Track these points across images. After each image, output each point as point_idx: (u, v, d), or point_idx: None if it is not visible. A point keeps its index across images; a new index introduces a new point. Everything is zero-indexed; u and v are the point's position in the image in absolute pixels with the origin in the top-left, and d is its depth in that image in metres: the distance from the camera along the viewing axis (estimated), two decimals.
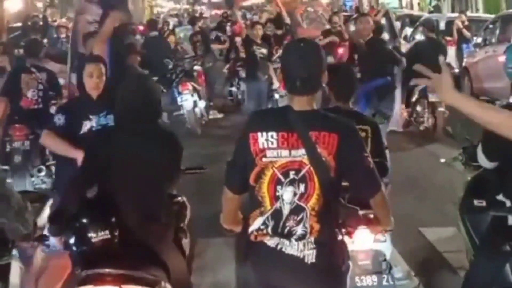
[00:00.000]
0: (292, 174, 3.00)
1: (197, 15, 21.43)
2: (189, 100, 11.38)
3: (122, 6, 6.44)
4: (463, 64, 15.36)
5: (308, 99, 3.09)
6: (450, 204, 6.46)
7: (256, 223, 3.06)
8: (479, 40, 15.00)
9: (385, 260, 4.10)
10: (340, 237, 3.22)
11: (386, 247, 4.10)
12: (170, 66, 11.73)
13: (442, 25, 17.06)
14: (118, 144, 3.88)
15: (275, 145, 3.01)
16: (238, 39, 13.34)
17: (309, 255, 2.99)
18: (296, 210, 3.00)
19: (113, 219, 3.72)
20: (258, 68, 10.71)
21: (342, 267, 3.13)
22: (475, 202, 4.25)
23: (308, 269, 2.99)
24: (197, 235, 3.91)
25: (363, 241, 4.03)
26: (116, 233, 3.69)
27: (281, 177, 3.01)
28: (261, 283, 3.09)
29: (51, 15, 16.85)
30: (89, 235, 3.65)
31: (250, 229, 3.08)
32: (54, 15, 17.39)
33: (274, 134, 3.01)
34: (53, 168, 7.37)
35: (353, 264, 3.97)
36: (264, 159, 3.02)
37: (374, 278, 3.95)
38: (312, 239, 2.99)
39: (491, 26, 14.74)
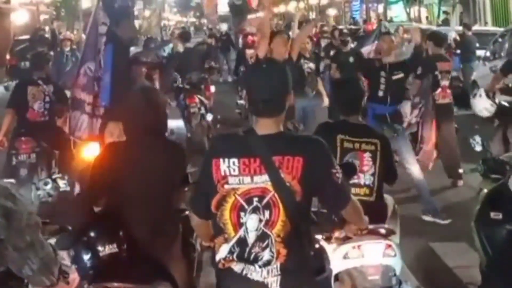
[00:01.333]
0: (255, 201, 2.92)
1: (204, 28, 21.46)
2: (196, 113, 11.34)
3: (127, 21, 6.38)
4: (472, 77, 15.27)
5: (273, 121, 3.02)
6: (461, 219, 6.42)
7: (221, 252, 2.97)
8: (488, 53, 14.93)
9: (395, 275, 4.05)
10: (316, 245, 3.21)
11: (396, 262, 4.05)
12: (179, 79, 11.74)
13: (451, 37, 16.94)
14: (126, 158, 3.87)
15: (236, 172, 2.94)
16: (249, 52, 13.25)
17: (273, 282, 2.90)
18: (262, 236, 2.91)
19: (121, 233, 3.71)
20: (306, 83, 9.74)
21: (313, 281, 3.08)
22: (492, 214, 4.22)
23: None
24: (204, 248, 3.86)
25: (372, 256, 4.00)
26: (124, 247, 3.68)
27: (244, 204, 2.93)
28: None
29: (58, 28, 16.92)
30: (97, 248, 3.63)
31: (217, 258, 3.00)
32: (61, 28, 17.46)
33: (236, 160, 2.94)
34: (59, 181, 7.33)
35: (363, 279, 3.96)
36: (226, 186, 2.95)
37: None
38: (278, 265, 2.90)
39: (500, 39, 14.69)
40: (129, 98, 4.09)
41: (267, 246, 2.90)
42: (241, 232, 2.93)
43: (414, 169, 7.45)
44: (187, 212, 4.41)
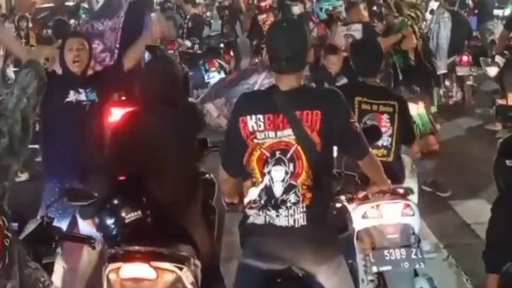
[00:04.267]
0: (279, 154, 3.08)
1: None
2: (216, 77, 11.40)
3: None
4: (491, 37, 15.11)
5: (295, 77, 3.18)
6: (479, 176, 6.50)
7: (251, 194, 3.15)
8: (506, 12, 14.76)
9: (413, 233, 4.12)
10: (339, 205, 3.38)
11: (414, 220, 4.12)
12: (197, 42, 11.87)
13: None
14: (144, 126, 3.92)
15: (262, 128, 3.10)
16: (260, 17, 13.24)
17: (300, 218, 3.06)
18: (288, 188, 3.07)
19: (144, 199, 3.78)
20: None
21: (334, 231, 3.27)
22: (508, 162, 4.27)
23: (299, 232, 3.07)
24: (225, 210, 3.98)
25: (391, 215, 4.07)
26: (148, 213, 3.74)
27: (269, 157, 3.10)
28: (257, 258, 3.16)
29: None
30: (122, 215, 3.71)
31: (246, 200, 3.18)
32: None
33: (261, 116, 3.10)
34: None
35: (381, 238, 4.06)
36: (255, 141, 3.12)
37: (403, 251, 3.96)
38: (304, 205, 3.07)
39: None
40: (144, 68, 4.13)
41: (293, 193, 3.07)
42: (266, 181, 3.10)
43: None
44: (206, 176, 4.55)
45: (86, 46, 4.87)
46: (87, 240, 3.60)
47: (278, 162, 3.08)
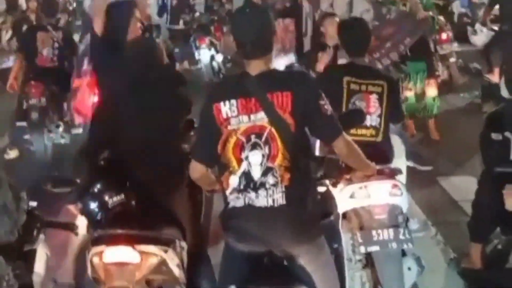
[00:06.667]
0: (254, 138, 3.11)
1: None
2: (206, 54, 11.41)
3: None
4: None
5: (263, 61, 3.20)
6: (467, 152, 6.50)
7: (232, 182, 3.16)
8: None
9: (401, 213, 4.11)
10: (323, 189, 3.39)
11: (402, 201, 4.10)
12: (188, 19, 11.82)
13: None
14: (125, 108, 3.88)
15: (236, 113, 3.12)
16: None
17: (279, 198, 3.08)
18: (266, 171, 3.10)
19: (128, 183, 3.74)
20: None
21: (316, 213, 3.27)
22: (493, 135, 4.30)
23: (278, 211, 3.09)
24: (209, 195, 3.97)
25: (379, 196, 4.05)
26: (132, 196, 3.72)
27: (245, 142, 3.12)
28: (239, 241, 3.22)
29: None
30: (105, 200, 3.67)
31: (228, 190, 3.19)
32: None
33: (234, 101, 3.12)
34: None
35: (369, 218, 4.05)
36: (229, 127, 3.14)
37: (391, 232, 3.95)
38: (283, 185, 3.09)
39: None
40: (127, 46, 4.09)
41: (271, 175, 3.09)
42: (244, 166, 3.12)
43: None
44: None
45: None
46: (70, 226, 3.57)
47: (255, 146, 3.11)
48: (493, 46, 9.18)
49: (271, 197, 3.08)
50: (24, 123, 7.49)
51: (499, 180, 4.16)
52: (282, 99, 3.09)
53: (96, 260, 3.50)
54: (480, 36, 8.82)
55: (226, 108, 3.13)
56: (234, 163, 3.14)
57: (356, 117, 3.92)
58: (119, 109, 3.89)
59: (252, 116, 3.11)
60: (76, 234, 3.66)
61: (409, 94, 7.84)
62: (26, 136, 7.59)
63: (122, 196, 3.69)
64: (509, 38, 8.57)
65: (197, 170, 3.38)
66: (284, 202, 3.08)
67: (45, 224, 3.45)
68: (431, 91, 7.96)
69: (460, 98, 9.73)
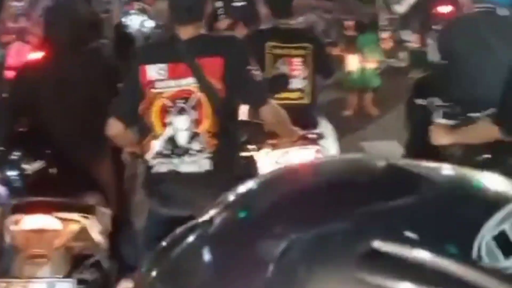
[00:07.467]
0: (182, 103, 3.10)
1: None
2: (136, 20, 11.20)
3: None
4: None
5: (195, 27, 3.20)
6: (394, 118, 6.59)
7: (153, 147, 3.15)
8: None
9: None
10: (246, 154, 3.44)
11: None
12: None
13: None
14: (46, 74, 3.81)
15: (164, 76, 3.11)
16: None
17: (205, 164, 3.10)
18: (192, 136, 3.10)
19: (48, 150, 3.70)
20: None
21: (241, 179, 3.23)
22: (417, 101, 4.37)
23: (203, 177, 3.11)
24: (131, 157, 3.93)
25: (300, 160, 4.07)
26: (53, 162, 3.67)
27: (171, 106, 3.11)
28: (162, 205, 3.21)
29: None
30: (23, 166, 3.62)
31: (150, 155, 3.17)
32: None
33: (164, 66, 3.11)
34: None
35: None
36: (153, 90, 3.12)
37: None
38: (209, 151, 3.11)
39: None
40: (47, 9, 4.01)
41: (198, 141, 3.10)
42: (169, 131, 3.11)
43: None
44: None
45: None
46: None
47: (181, 111, 3.09)
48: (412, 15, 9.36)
49: (196, 163, 3.09)
50: None
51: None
52: (212, 64, 3.10)
53: (14, 227, 3.43)
54: (403, 6, 9.00)
55: (153, 71, 3.12)
56: (157, 127, 3.13)
57: (279, 82, 3.93)
58: (42, 75, 3.82)
59: (181, 81, 3.11)
60: None
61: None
62: None
63: (42, 163, 3.65)
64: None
65: (115, 127, 3.31)
66: (210, 168, 3.09)
67: None
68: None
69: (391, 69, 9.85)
